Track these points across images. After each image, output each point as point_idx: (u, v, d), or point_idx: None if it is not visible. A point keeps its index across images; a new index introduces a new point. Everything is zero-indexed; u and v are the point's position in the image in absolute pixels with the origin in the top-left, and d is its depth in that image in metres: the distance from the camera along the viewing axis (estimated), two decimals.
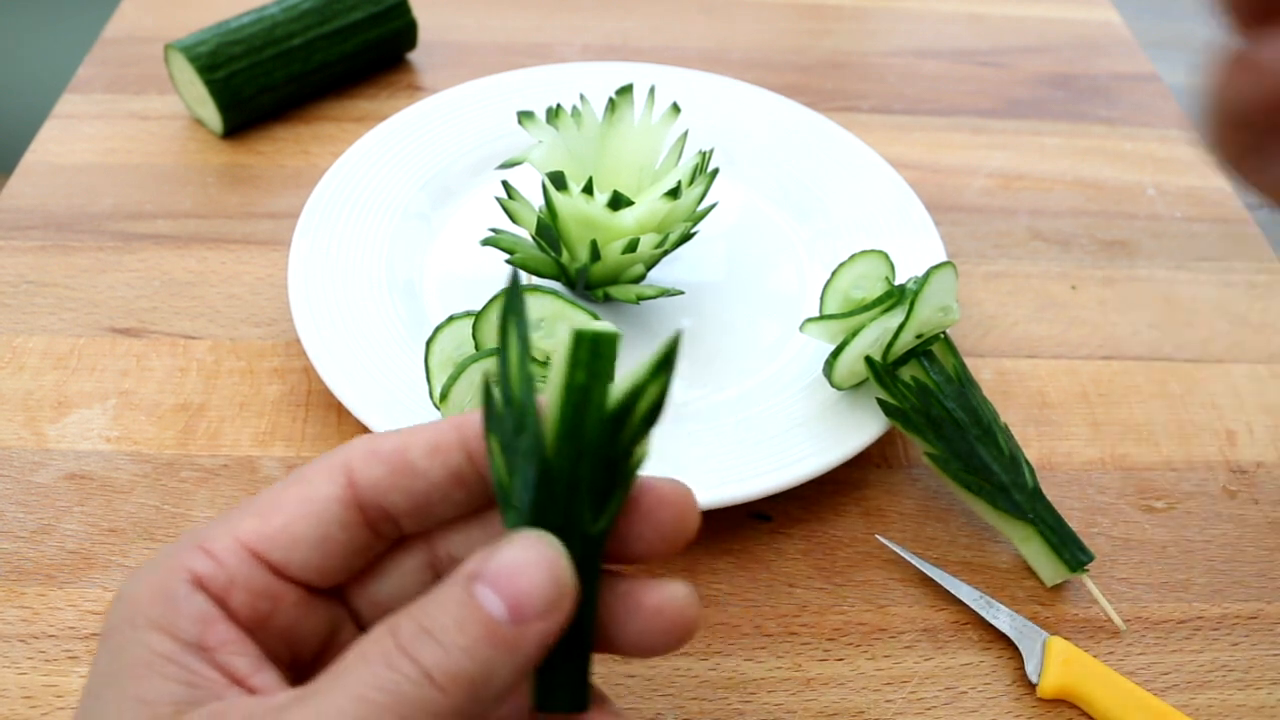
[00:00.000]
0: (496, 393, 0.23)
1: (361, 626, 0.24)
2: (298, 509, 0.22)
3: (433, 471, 0.23)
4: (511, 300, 0.23)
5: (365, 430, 0.43)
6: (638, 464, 0.23)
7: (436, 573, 0.25)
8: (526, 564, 0.20)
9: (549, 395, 0.22)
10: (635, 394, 0.22)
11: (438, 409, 0.38)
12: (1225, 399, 0.48)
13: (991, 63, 0.68)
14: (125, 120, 0.58)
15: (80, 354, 0.46)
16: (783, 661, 0.38)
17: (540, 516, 0.22)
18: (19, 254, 0.50)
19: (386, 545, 0.24)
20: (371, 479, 0.23)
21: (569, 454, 0.22)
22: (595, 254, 0.42)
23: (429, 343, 0.40)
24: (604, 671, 0.37)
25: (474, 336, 0.40)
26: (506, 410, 0.22)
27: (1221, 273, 0.54)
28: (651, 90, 0.46)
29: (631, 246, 0.42)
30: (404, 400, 0.41)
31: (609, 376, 0.22)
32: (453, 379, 0.37)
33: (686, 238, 0.44)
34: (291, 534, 0.22)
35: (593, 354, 0.22)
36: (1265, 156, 0.20)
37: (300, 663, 0.23)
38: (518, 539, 0.21)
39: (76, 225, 0.52)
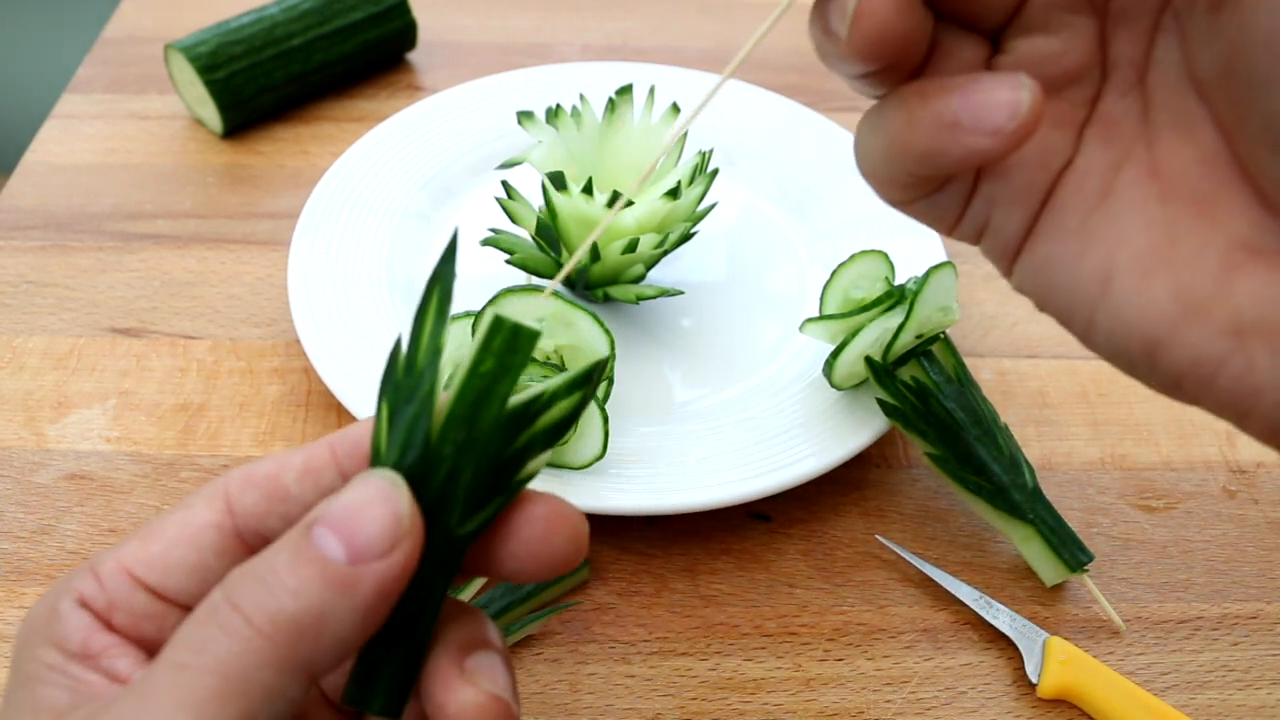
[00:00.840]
0: (402, 356, 0.21)
1: None
2: (176, 534, 0.22)
3: (306, 495, 0.22)
4: (442, 265, 0.21)
5: None
6: (527, 477, 0.21)
7: None
8: (365, 502, 0.20)
9: (453, 376, 0.21)
10: (544, 402, 0.21)
11: None
12: None
13: None
14: (125, 120, 0.58)
15: (80, 354, 0.46)
16: (783, 661, 0.38)
17: None
18: (19, 254, 0.50)
19: None
20: (246, 506, 0.22)
21: (455, 441, 0.20)
22: (595, 254, 0.42)
23: None
24: (604, 672, 0.37)
25: (473, 336, 0.40)
26: (405, 377, 0.21)
27: None
28: (651, 90, 0.46)
29: (631, 246, 0.42)
30: None
31: (518, 372, 0.20)
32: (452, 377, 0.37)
33: (686, 238, 0.44)
34: (167, 560, 0.22)
35: (508, 345, 0.20)
36: (929, 194, 0.22)
37: None
38: (358, 479, 0.20)
39: (76, 225, 0.52)
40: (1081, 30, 0.21)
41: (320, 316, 0.44)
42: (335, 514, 0.19)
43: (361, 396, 0.41)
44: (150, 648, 0.22)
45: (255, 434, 0.43)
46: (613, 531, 0.41)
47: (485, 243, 0.45)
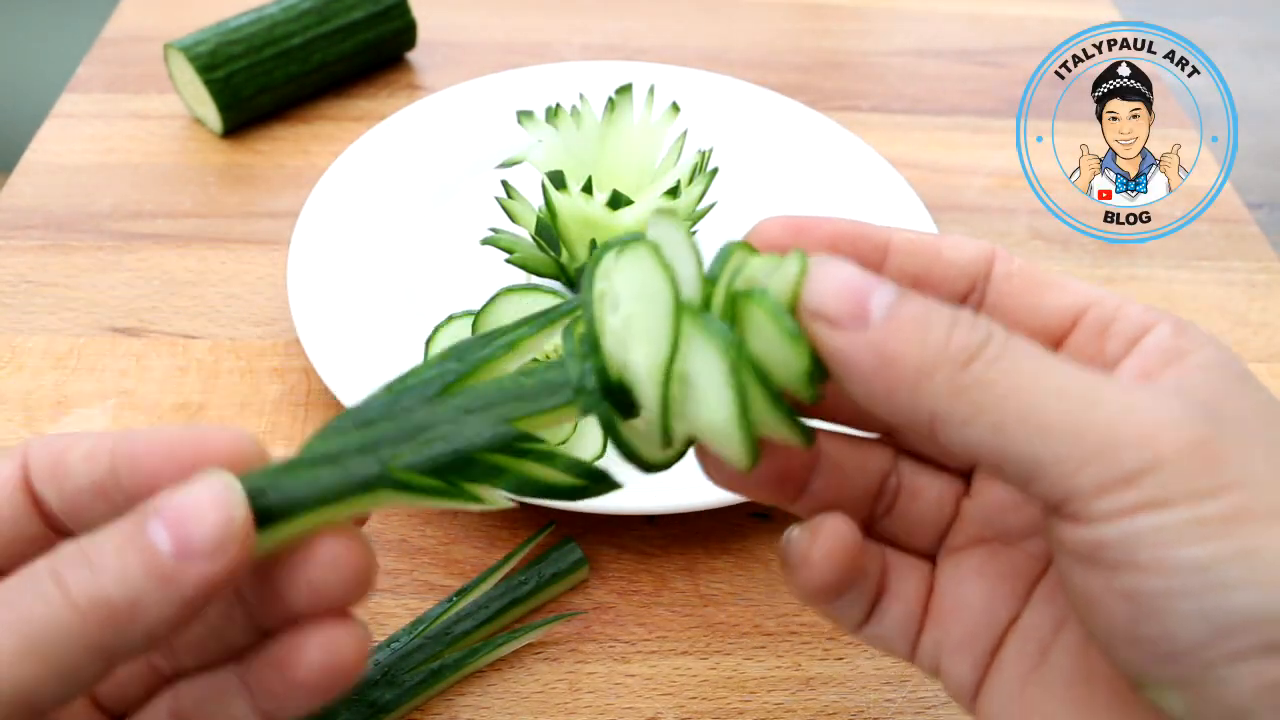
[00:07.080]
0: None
1: None
2: None
3: (81, 477, 0.21)
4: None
5: None
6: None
7: None
8: (201, 503, 0.20)
9: None
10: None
11: None
12: None
13: (991, 62, 0.68)
14: (125, 120, 0.58)
15: (80, 354, 0.46)
16: (782, 661, 0.38)
17: None
18: (19, 254, 0.50)
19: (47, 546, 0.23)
20: (37, 467, 0.22)
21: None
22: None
23: (428, 342, 0.40)
24: (603, 671, 0.37)
25: (473, 335, 0.40)
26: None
27: (1221, 272, 0.54)
28: (651, 90, 0.46)
29: None
30: None
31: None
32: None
33: None
34: None
35: None
36: (844, 606, 0.25)
37: None
38: (201, 479, 0.20)
39: (76, 225, 0.52)
40: None
41: (320, 316, 0.44)
42: (171, 508, 0.19)
43: (361, 396, 0.41)
44: None
45: (255, 434, 0.43)
46: (613, 531, 0.41)
47: (485, 242, 0.45)
